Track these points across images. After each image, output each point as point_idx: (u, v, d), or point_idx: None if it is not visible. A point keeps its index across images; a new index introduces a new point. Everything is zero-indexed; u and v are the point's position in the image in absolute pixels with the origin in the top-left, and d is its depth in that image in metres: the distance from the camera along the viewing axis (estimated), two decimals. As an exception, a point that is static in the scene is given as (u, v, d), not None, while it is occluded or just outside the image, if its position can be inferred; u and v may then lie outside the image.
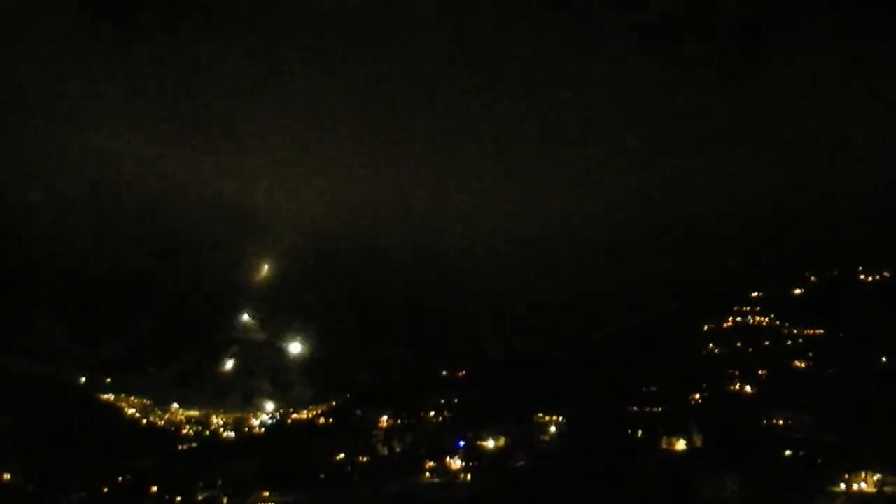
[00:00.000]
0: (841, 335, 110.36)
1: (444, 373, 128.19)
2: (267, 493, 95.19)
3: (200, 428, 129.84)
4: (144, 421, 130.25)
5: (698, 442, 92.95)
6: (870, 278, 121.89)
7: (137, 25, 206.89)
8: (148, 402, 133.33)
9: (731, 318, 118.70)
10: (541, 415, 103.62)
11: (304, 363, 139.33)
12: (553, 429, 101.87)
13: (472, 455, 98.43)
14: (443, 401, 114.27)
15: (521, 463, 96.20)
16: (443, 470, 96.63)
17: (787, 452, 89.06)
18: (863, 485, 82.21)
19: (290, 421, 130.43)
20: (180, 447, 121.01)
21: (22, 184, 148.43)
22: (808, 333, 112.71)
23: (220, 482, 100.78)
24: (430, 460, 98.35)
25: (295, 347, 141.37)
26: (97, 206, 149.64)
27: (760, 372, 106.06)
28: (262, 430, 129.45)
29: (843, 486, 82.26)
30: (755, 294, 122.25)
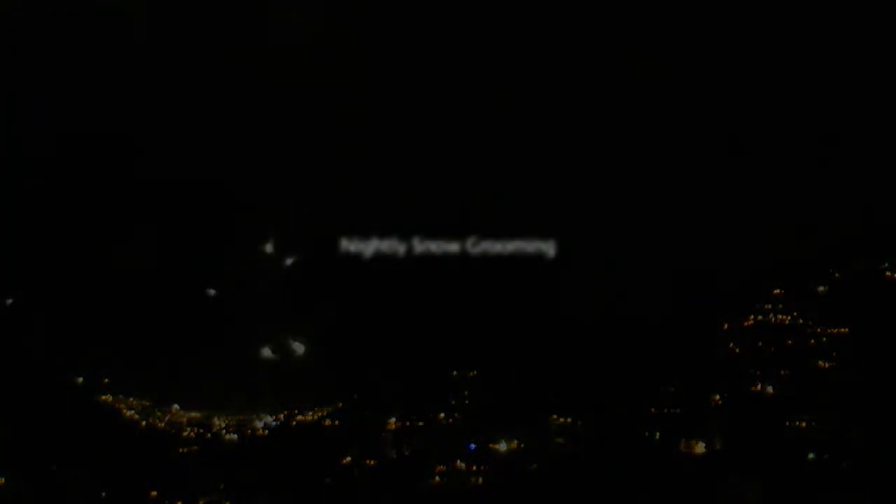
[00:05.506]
0: (866, 334, 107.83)
1: (455, 373, 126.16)
2: (271, 498, 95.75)
3: (202, 430, 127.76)
4: (144, 423, 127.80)
5: (718, 444, 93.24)
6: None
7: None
8: (147, 403, 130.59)
9: (751, 317, 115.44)
10: (555, 416, 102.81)
11: (310, 363, 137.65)
12: (568, 431, 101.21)
13: (484, 458, 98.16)
14: (453, 402, 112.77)
15: (534, 466, 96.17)
16: (454, 473, 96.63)
17: (811, 455, 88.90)
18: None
19: (294, 423, 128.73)
20: (181, 450, 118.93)
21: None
22: (832, 332, 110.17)
23: (222, 486, 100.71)
24: (441, 464, 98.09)
25: (300, 347, 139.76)
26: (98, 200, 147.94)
27: (783, 372, 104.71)
28: (266, 432, 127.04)
29: (869, 490, 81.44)
30: (777, 291, 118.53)
